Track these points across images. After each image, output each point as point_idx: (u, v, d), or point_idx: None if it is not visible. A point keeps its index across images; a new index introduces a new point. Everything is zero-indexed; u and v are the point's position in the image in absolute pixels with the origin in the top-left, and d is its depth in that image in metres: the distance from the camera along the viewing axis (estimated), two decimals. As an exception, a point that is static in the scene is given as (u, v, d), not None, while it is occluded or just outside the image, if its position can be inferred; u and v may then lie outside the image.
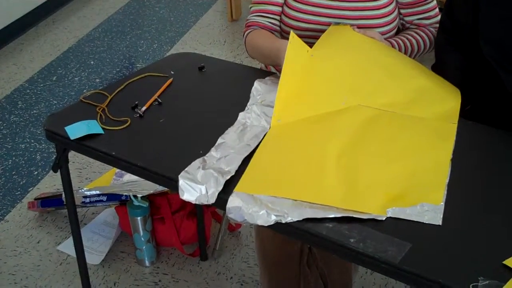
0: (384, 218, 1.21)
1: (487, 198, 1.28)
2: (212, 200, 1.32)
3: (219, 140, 1.47)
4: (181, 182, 1.34)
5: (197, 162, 1.39)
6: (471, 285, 1.05)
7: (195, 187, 1.33)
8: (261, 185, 1.32)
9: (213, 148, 1.45)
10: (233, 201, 1.28)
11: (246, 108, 1.59)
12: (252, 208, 1.24)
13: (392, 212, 1.22)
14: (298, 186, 1.31)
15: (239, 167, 1.38)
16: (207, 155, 1.42)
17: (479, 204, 1.26)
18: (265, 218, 1.22)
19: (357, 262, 1.22)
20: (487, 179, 1.34)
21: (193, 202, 1.33)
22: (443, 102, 1.59)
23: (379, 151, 1.41)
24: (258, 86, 1.69)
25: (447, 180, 1.31)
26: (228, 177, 1.34)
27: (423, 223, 1.21)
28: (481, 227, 1.21)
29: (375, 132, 1.46)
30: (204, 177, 1.34)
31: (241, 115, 1.57)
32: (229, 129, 1.52)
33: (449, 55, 1.76)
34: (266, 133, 1.50)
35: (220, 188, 1.32)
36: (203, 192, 1.32)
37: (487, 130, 1.53)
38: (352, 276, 1.96)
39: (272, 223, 1.22)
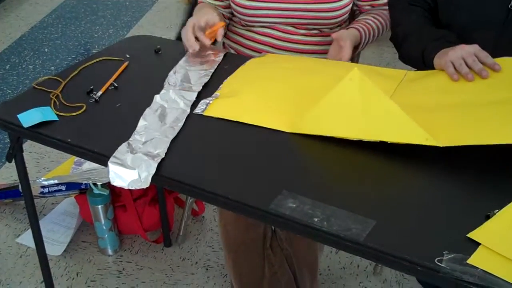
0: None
1: (449, 173, 1.28)
2: (145, 184, 1.29)
3: (141, 122, 1.44)
4: (112, 167, 1.30)
5: (123, 147, 1.35)
6: (436, 259, 1.05)
7: (126, 172, 1.29)
8: (229, 110, 1.46)
9: (135, 131, 1.41)
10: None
11: (162, 92, 1.55)
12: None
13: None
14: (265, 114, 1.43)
15: (168, 149, 1.36)
16: (131, 139, 1.38)
17: (441, 179, 1.26)
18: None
19: (322, 241, 1.21)
20: (448, 154, 1.34)
21: (126, 188, 1.29)
22: None
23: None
24: (170, 77, 1.64)
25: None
26: (159, 160, 1.32)
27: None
28: (444, 201, 1.21)
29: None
30: (134, 162, 1.31)
31: (157, 97, 1.53)
32: (147, 110, 1.48)
33: (410, 13, 1.73)
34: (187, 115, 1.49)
35: (153, 171, 1.29)
36: (136, 177, 1.29)
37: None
38: (318, 255, 1.96)
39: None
